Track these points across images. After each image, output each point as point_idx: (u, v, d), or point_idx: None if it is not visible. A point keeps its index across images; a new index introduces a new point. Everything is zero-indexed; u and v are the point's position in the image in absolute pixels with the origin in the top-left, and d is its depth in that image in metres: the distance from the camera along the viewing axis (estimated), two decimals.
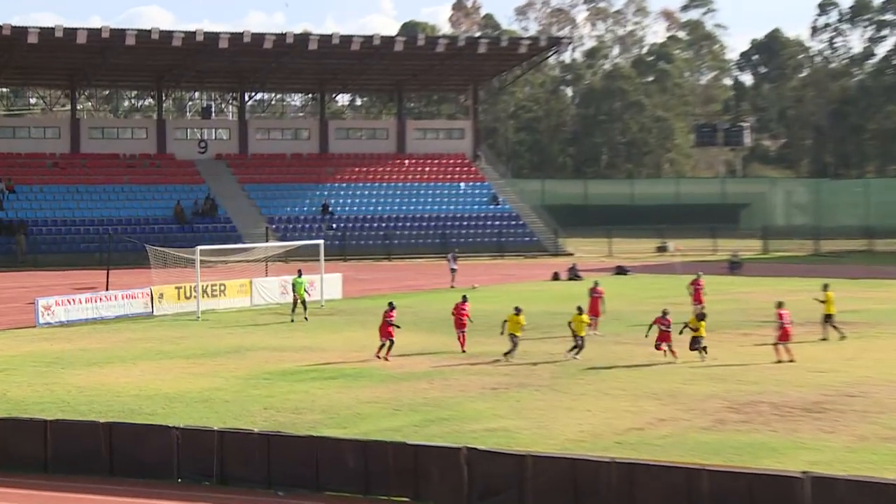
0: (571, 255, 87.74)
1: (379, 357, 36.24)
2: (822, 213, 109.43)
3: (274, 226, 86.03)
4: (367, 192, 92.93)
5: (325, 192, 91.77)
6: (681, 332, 36.05)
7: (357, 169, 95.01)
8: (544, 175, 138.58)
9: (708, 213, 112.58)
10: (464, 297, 40.12)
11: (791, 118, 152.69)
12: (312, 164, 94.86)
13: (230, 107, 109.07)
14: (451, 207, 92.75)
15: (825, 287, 41.78)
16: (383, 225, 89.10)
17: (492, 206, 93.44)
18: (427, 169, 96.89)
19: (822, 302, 40.81)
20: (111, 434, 23.61)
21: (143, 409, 29.30)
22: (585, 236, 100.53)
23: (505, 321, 36.41)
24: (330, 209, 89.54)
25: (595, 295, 43.16)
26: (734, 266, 73.63)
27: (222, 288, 53.50)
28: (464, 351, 38.11)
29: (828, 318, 40.49)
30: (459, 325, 38.95)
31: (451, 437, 25.48)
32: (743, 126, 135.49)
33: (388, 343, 36.49)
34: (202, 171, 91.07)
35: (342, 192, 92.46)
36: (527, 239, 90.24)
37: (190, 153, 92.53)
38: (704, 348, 35.70)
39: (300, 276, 48.67)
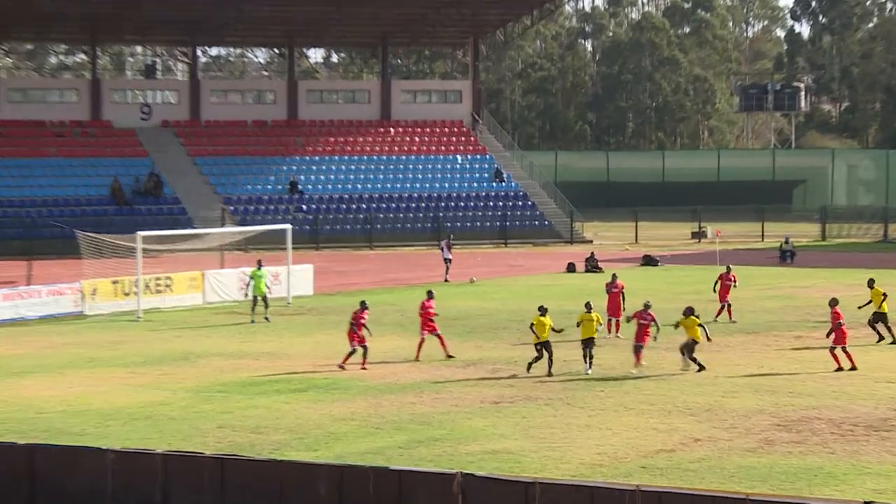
0: (590, 242, 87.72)
1: (344, 367, 36.28)
2: (893, 191, 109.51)
3: (231, 207, 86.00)
4: (344, 167, 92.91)
5: (294, 167, 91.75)
6: (676, 327, 36.33)
7: (332, 139, 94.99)
8: (558, 146, 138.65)
9: (755, 191, 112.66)
10: (429, 292, 40.02)
11: (856, 77, 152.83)
12: (278, 132, 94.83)
13: (179, 64, 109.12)
14: (446, 185, 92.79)
15: (871, 283, 42.14)
16: (364, 206, 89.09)
17: (494, 184, 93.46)
18: (417, 139, 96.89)
19: (868, 303, 41.14)
20: (33, 458, 23.53)
21: (71, 428, 29.21)
22: (607, 220, 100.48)
23: (532, 324, 36.22)
24: (299, 187, 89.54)
25: (614, 290, 43.18)
26: (786, 255, 73.68)
27: (168, 282, 53.46)
28: (450, 356, 38.20)
29: (879, 318, 40.65)
30: (428, 326, 38.84)
31: (442, 460, 25.43)
32: (798, 87, 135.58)
33: (361, 350, 36.50)
34: (145, 141, 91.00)
35: (314, 167, 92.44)
36: (536, 223, 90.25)
37: (130, 120, 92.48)
38: (694, 359, 35.70)
39: (260, 268, 48.69)
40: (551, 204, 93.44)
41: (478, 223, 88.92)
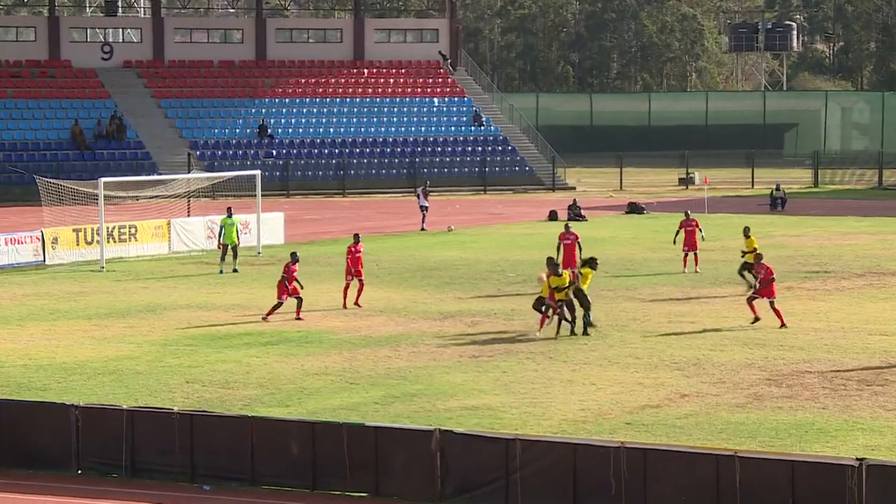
0: (573, 189, 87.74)
1: (267, 320, 36.56)
2: (888, 135, 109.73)
3: (198, 152, 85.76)
4: (315, 110, 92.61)
5: (263, 110, 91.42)
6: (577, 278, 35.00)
7: (303, 80, 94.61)
8: (539, 88, 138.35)
9: (745, 136, 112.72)
10: (356, 235, 40.43)
11: (851, 16, 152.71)
12: (247, 73, 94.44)
13: (142, 0, 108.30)
14: (422, 129, 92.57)
15: (746, 232, 42.54)
16: (336, 151, 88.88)
17: (473, 128, 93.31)
18: (391, 80, 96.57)
19: (753, 251, 41.07)
20: None
21: (32, 382, 29.27)
22: (590, 165, 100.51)
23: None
24: (269, 131, 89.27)
25: (567, 241, 42.41)
26: (777, 202, 73.90)
27: (133, 231, 53.37)
28: (357, 304, 38.85)
29: (747, 268, 40.76)
30: (354, 271, 39.33)
31: (420, 416, 25.59)
32: (790, 26, 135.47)
33: (296, 301, 36.85)
34: (106, 82, 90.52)
35: (284, 110, 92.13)
36: (517, 169, 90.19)
37: (91, 60, 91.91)
38: (561, 315, 33.91)
39: (230, 216, 48.61)
40: (532, 149, 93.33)
41: (455, 169, 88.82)
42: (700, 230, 46.68)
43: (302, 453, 22.11)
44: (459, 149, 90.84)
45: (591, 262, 35.44)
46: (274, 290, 37.74)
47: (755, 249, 40.94)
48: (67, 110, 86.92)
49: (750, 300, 35.44)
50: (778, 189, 75.33)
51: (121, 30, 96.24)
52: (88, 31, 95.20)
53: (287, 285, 37.14)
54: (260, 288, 43.65)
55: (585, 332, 33.95)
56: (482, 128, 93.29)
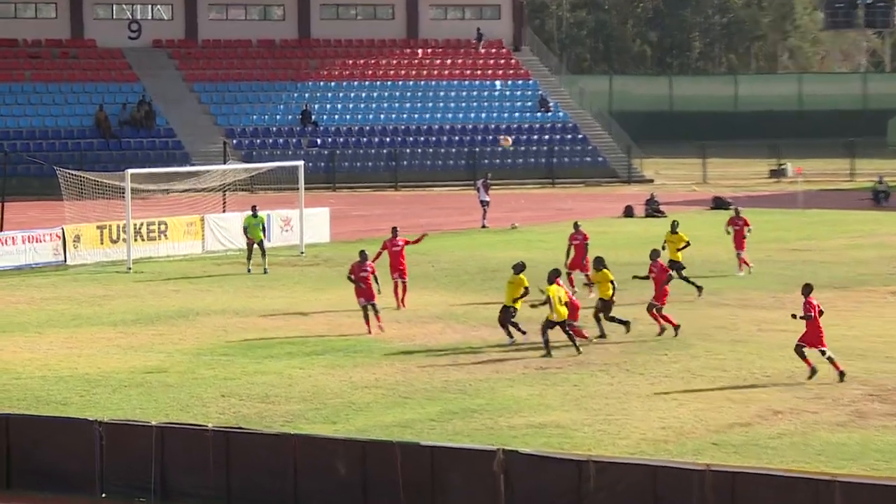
0: (651, 182, 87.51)
1: (381, 328, 36.12)
2: None
3: (235, 141, 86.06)
4: (364, 94, 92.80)
5: (307, 94, 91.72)
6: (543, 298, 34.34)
7: (350, 61, 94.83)
8: (613, 70, 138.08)
9: (843, 122, 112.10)
10: (393, 229, 40.78)
11: None
12: (288, 54, 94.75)
13: None
14: (482, 115, 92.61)
15: (674, 226, 42.79)
16: (387, 140, 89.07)
17: (539, 114, 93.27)
18: (448, 61, 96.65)
19: (687, 245, 42.05)
20: (7, 431, 23.67)
21: (52, 396, 29.35)
22: (670, 156, 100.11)
23: (589, 284, 35.84)
24: (313, 118, 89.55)
25: (576, 242, 42.77)
26: (880, 197, 73.37)
27: (163, 228, 53.58)
28: (400, 307, 39.04)
29: (674, 267, 40.76)
30: (398, 270, 39.91)
31: (481, 435, 25.50)
32: (894, 0, 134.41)
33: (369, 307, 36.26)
34: (134, 63, 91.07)
35: (330, 94, 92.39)
36: (588, 159, 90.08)
37: (117, 39, 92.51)
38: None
39: (255, 215, 48.93)
40: (605, 137, 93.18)
41: (520, 160, 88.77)
42: (748, 228, 46.68)
43: (350, 475, 22.06)
44: (524, 137, 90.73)
45: (599, 263, 35.27)
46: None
47: (686, 245, 42.02)
48: (91, 94, 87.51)
49: (649, 307, 35.36)
50: (881, 182, 74.85)
51: (150, 6, 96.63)
52: (114, 7, 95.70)
53: (363, 288, 36.31)
54: (303, 291, 43.70)
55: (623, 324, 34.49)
56: (549, 114, 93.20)
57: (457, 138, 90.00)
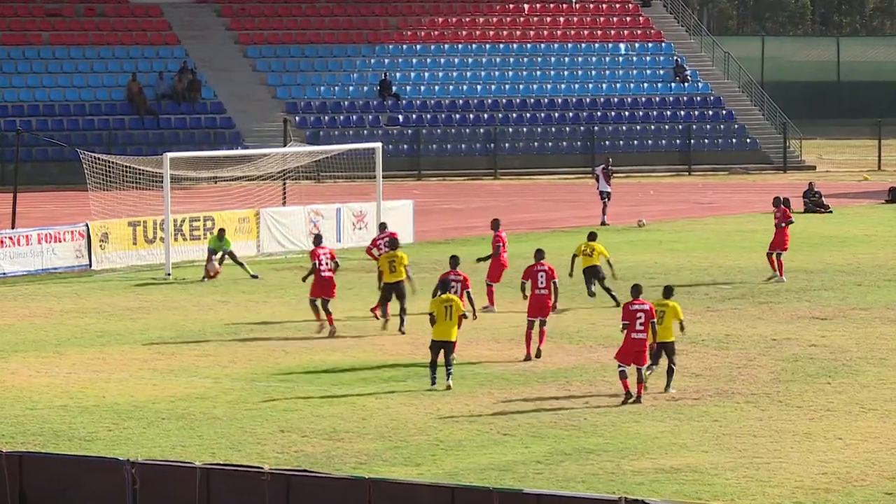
0: (812, 168, 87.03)
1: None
2: None
3: (297, 118, 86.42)
4: (456, 60, 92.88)
5: (386, 61, 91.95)
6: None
7: (440, 20, 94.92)
8: (766, 31, 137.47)
9: None
10: (494, 221, 42.19)
11: None
12: (363, 11, 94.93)
13: None
14: (603, 86, 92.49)
15: (591, 237, 43.87)
16: (486, 116, 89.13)
17: (674, 84, 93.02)
18: (560, 19, 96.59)
19: (578, 255, 43.34)
20: (20, 473, 23.91)
21: (74, 430, 29.60)
22: (836, 137, 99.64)
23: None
24: (393, 89, 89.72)
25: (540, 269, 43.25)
26: None
27: (209, 225, 53.83)
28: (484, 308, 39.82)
29: (590, 271, 42.58)
30: (495, 274, 41.37)
31: (599, 481, 25.55)
32: None
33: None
34: (175, 23, 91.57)
35: (414, 61, 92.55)
36: (734, 141, 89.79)
37: None
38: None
39: (221, 238, 49.62)
40: (756, 113, 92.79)
41: (649, 141, 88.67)
42: (786, 222, 47.87)
43: None
44: (655, 113, 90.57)
45: (668, 292, 34.74)
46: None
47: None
48: (122, 61, 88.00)
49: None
50: None
51: None
52: None
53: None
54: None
55: None
56: (686, 84, 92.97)
57: (571, 114, 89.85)
